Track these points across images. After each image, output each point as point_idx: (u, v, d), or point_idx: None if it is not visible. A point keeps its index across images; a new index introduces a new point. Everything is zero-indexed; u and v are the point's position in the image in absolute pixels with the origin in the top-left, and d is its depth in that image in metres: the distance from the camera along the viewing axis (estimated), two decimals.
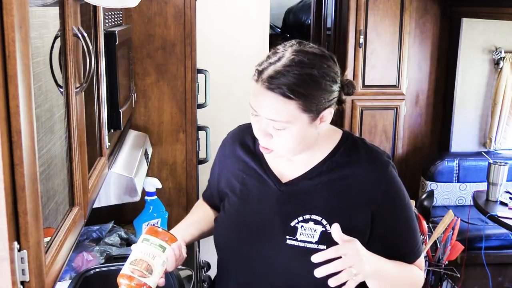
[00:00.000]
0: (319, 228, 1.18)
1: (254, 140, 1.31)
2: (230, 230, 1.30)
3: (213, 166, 1.44)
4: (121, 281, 1.14)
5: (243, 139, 1.36)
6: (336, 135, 1.28)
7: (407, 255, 1.26)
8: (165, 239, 1.18)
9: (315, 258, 1.06)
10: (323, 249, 1.13)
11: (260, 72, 1.14)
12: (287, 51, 1.15)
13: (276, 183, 1.26)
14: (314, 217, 1.19)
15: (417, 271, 1.27)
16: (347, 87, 1.22)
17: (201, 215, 1.43)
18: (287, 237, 1.19)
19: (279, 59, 1.14)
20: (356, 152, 1.24)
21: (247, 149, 1.34)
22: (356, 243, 1.09)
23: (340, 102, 1.22)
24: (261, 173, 1.29)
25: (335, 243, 1.10)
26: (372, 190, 1.21)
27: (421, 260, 1.30)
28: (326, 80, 1.14)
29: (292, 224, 1.19)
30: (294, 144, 1.18)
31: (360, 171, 1.22)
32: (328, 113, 1.18)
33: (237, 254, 1.27)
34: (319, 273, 1.05)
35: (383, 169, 1.22)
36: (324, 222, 1.18)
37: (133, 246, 1.20)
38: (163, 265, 1.17)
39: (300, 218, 1.20)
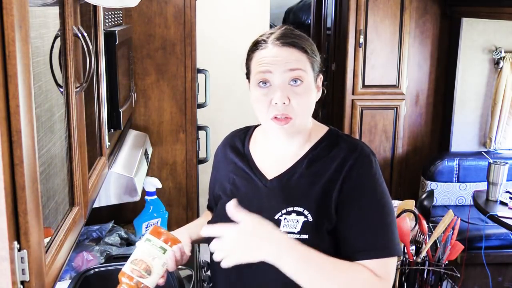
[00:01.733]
0: (301, 219, 1.20)
1: (243, 142, 1.40)
2: None
3: (211, 175, 1.48)
4: (122, 279, 1.17)
5: (233, 142, 1.42)
6: (322, 130, 1.33)
7: (359, 253, 1.16)
8: (167, 240, 1.21)
9: (204, 232, 1.14)
10: (305, 238, 1.16)
11: (266, 39, 1.24)
12: (275, 31, 1.27)
13: (262, 180, 1.30)
14: (296, 208, 1.21)
15: (361, 272, 1.14)
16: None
17: (207, 220, 1.45)
18: None
19: (274, 32, 1.25)
20: (337, 146, 1.27)
21: (236, 151, 1.39)
22: (236, 227, 1.11)
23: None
24: (248, 172, 1.33)
25: (317, 232, 1.16)
26: (342, 175, 1.21)
27: (381, 264, 1.15)
28: (315, 46, 1.28)
29: (276, 217, 1.22)
30: (307, 105, 1.24)
31: (338, 161, 1.23)
32: (320, 81, 1.29)
33: None
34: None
35: (360, 158, 1.22)
36: (306, 212, 1.21)
37: (137, 243, 1.23)
38: (164, 266, 1.20)
39: (284, 211, 1.22)
